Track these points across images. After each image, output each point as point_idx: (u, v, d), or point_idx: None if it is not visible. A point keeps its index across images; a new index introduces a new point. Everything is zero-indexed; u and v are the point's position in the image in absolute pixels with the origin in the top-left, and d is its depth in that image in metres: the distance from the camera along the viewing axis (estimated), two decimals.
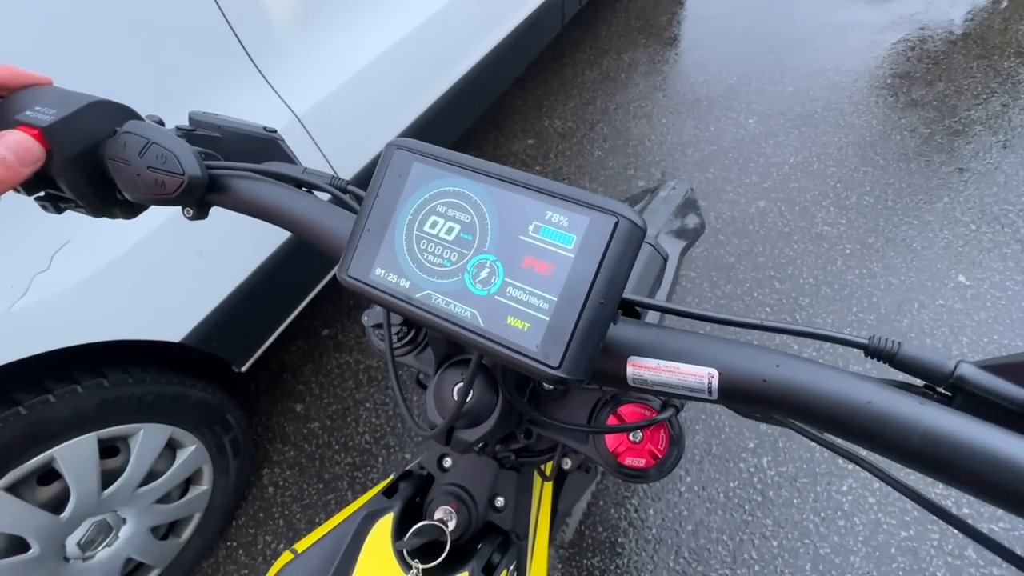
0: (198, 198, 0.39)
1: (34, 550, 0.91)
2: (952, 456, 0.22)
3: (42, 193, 0.41)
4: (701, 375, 0.27)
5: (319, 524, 1.33)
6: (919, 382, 0.26)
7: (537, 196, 0.26)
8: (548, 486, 0.57)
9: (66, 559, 0.97)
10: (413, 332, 0.46)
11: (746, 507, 1.23)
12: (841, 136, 1.98)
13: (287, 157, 0.43)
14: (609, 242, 0.24)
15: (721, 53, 2.44)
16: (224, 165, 0.39)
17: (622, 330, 0.29)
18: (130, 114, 0.40)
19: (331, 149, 1.21)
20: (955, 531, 0.26)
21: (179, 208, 0.40)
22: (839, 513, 1.19)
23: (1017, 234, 1.60)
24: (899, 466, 0.24)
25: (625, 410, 0.39)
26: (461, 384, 0.35)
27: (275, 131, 0.43)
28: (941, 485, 0.25)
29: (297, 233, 0.38)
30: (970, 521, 0.25)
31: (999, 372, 0.24)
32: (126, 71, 0.89)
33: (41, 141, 0.35)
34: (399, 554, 0.44)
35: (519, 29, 1.83)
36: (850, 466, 1.25)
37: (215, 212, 0.42)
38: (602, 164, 2.06)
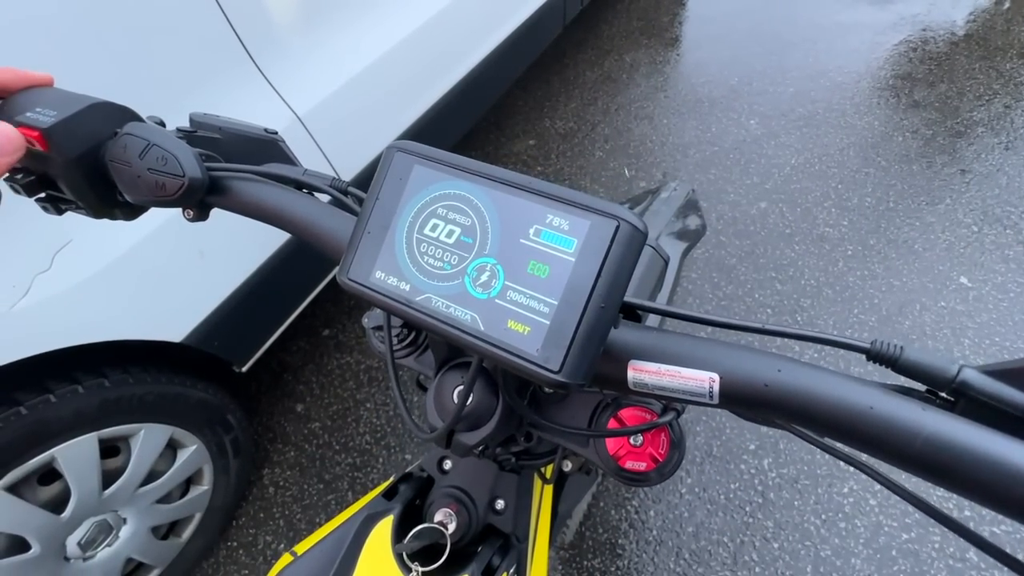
0: (198, 200, 0.38)
1: (35, 550, 0.91)
2: (955, 462, 0.22)
3: (43, 194, 0.41)
4: (702, 379, 0.27)
5: (319, 524, 1.33)
6: (921, 386, 0.26)
7: (538, 199, 0.26)
8: (548, 488, 0.57)
9: (67, 559, 0.97)
10: (413, 334, 0.46)
11: (747, 509, 1.23)
12: (843, 137, 1.98)
13: (288, 158, 0.43)
14: (610, 246, 0.24)
15: (723, 54, 2.44)
16: (224, 167, 0.39)
17: (623, 334, 0.29)
18: (131, 115, 0.40)
19: (332, 150, 1.21)
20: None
21: (179, 209, 0.40)
22: (840, 515, 1.19)
23: (1019, 236, 1.60)
24: (899, 471, 0.24)
25: (626, 413, 0.39)
26: (461, 387, 0.35)
27: (276, 132, 0.43)
28: (942, 489, 0.25)
29: (297, 235, 0.38)
30: (971, 525, 0.25)
31: (1002, 377, 0.24)
32: (127, 72, 0.89)
33: (42, 142, 0.35)
34: (399, 557, 0.44)
35: (521, 30, 1.82)
36: (851, 468, 1.24)
37: (216, 212, 0.42)
38: (603, 165, 2.06)
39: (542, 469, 0.51)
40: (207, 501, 1.19)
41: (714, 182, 1.91)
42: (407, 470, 0.53)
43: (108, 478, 0.97)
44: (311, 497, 1.39)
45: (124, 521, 1.05)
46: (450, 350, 0.38)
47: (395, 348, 0.45)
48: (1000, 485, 0.21)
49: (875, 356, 0.26)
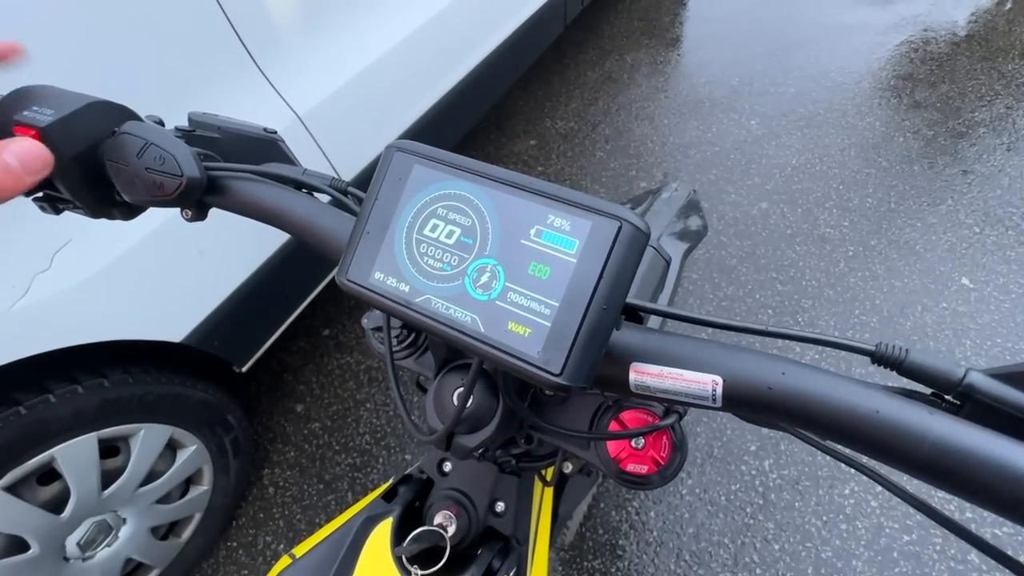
0: (196, 200, 0.38)
1: (34, 550, 0.90)
2: (962, 467, 0.22)
3: (40, 194, 0.40)
4: (705, 383, 0.26)
5: (319, 525, 1.33)
6: (926, 389, 0.26)
7: (539, 200, 0.26)
8: (549, 490, 0.57)
9: (66, 559, 0.97)
10: (413, 336, 0.45)
11: (748, 510, 1.22)
12: (844, 138, 1.98)
13: (287, 158, 0.42)
14: (612, 247, 0.24)
15: (724, 54, 2.43)
16: (223, 166, 0.39)
17: (625, 335, 0.29)
18: (129, 115, 0.40)
19: (333, 150, 1.21)
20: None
21: (178, 209, 0.40)
22: (841, 517, 1.19)
23: (1021, 236, 1.60)
24: (901, 473, 0.24)
25: (627, 416, 0.39)
26: (461, 389, 0.35)
27: (275, 132, 0.42)
28: (943, 492, 0.25)
29: (296, 235, 0.38)
30: (972, 527, 0.25)
31: (1009, 380, 0.24)
32: (128, 71, 0.89)
33: (39, 141, 0.35)
34: (398, 560, 0.44)
35: (522, 30, 1.82)
36: (852, 470, 1.24)
37: (216, 212, 0.41)
38: (604, 165, 2.05)
39: (542, 471, 0.51)
40: (207, 501, 1.19)
41: (715, 182, 1.91)
42: (407, 472, 0.53)
43: (108, 478, 0.97)
44: (311, 497, 1.38)
45: (124, 521, 1.05)
46: (450, 351, 0.38)
47: (395, 349, 0.45)
48: (1007, 489, 0.21)
49: (880, 358, 0.25)
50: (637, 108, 2.26)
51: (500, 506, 0.49)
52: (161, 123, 0.42)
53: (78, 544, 0.97)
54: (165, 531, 1.18)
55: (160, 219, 0.93)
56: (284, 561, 0.47)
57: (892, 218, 1.71)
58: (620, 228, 0.24)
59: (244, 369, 1.19)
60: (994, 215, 1.66)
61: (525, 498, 0.50)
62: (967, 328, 1.43)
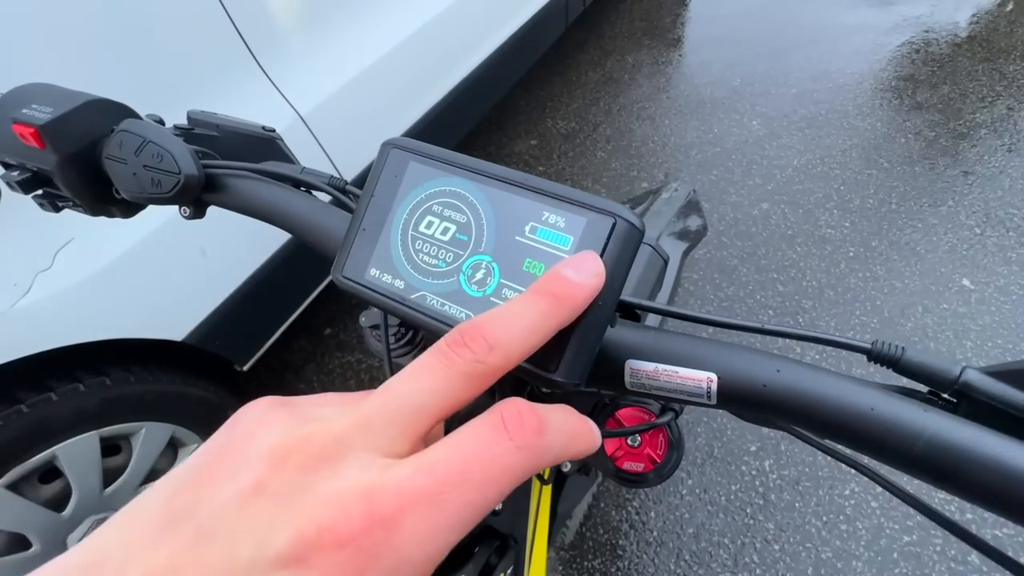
0: (194, 197, 0.38)
1: (35, 548, 0.91)
2: (957, 465, 0.22)
3: (39, 191, 0.41)
4: (700, 380, 0.26)
5: None
6: (923, 388, 0.26)
7: (534, 196, 0.26)
8: (547, 489, 0.57)
9: None
10: (411, 333, 0.45)
11: (748, 510, 1.22)
12: (845, 139, 1.97)
13: (286, 156, 0.42)
14: (606, 243, 0.24)
15: (725, 55, 2.43)
16: (221, 164, 0.39)
17: (620, 333, 0.29)
18: (128, 112, 0.40)
19: (334, 149, 1.21)
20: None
21: (176, 207, 0.40)
22: (841, 517, 1.19)
23: (1022, 238, 1.59)
24: (901, 473, 0.24)
25: (624, 414, 0.39)
26: None
27: (274, 130, 0.42)
28: (943, 492, 0.25)
29: (294, 233, 0.38)
30: (973, 528, 0.25)
31: (1005, 378, 0.24)
32: (129, 70, 0.89)
33: (38, 139, 0.35)
34: None
35: (523, 30, 1.82)
36: (853, 470, 1.24)
37: (218, 211, 0.42)
38: (605, 165, 2.05)
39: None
40: None
41: (716, 183, 1.91)
42: None
43: (109, 476, 0.98)
44: None
45: None
46: None
47: (392, 347, 0.45)
48: (1003, 488, 0.21)
49: (876, 356, 0.25)
50: (638, 108, 2.26)
51: (497, 505, 0.49)
52: (161, 122, 0.42)
53: (80, 542, 0.97)
54: None
55: (162, 218, 0.94)
56: None
57: (893, 219, 1.70)
58: (614, 224, 0.24)
59: (245, 368, 1.19)
60: (995, 216, 1.66)
61: (523, 496, 0.50)
62: (968, 329, 1.42)
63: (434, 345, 0.20)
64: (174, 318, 1.01)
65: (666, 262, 0.69)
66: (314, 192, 0.40)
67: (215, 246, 1.03)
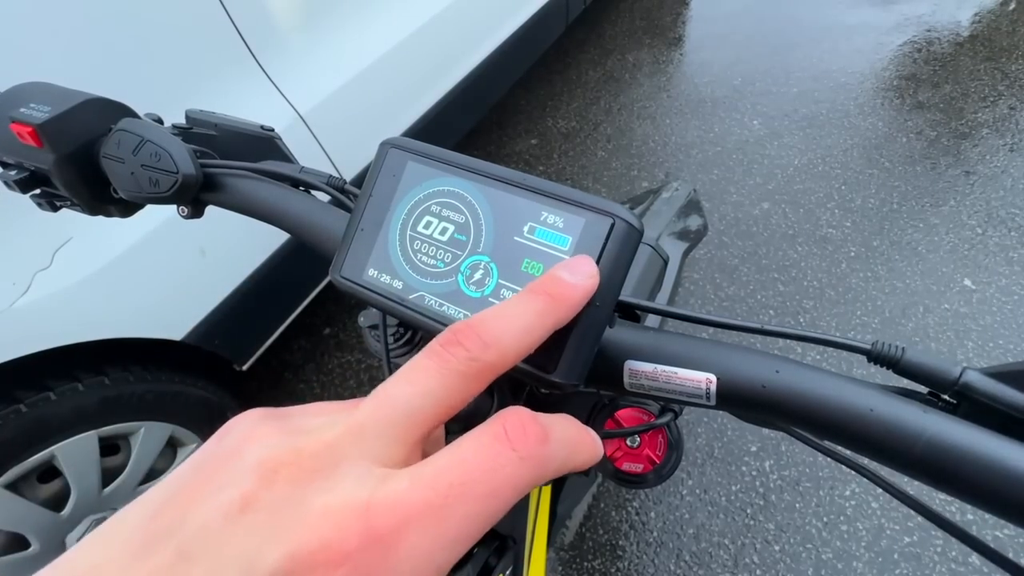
0: (193, 197, 0.38)
1: (34, 547, 0.91)
2: (957, 467, 0.21)
3: (37, 191, 0.41)
4: (699, 380, 0.26)
5: None
6: (923, 389, 0.26)
7: (532, 196, 0.26)
8: (546, 489, 0.57)
9: None
10: (410, 333, 0.45)
11: (748, 511, 1.22)
12: (846, 138, 1.97)
13: (284, 156, 0.42)
14: (605, 244, 0.24)
15: (726, 54, 2.43)
16: (219, 163, 0.39)
17: (619, 333, 0.28)
18: (126, 112, 0.40)
19: (334, 148, 1.21)
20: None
21: (174, 206, 0.40)
22: (842, 518, 1.18)
23: None
24: (901, 475, 0.24)
25: (623, 414, 0.39)
26: None
27: (272, 129, 0.42)
28: (944, 494, 0.25)
29: (292, 233, 0.37)
30: (973, 530, 0.25)
31: (1006, 379, 0.24)
32: (127, 69, 0.89)
33: (35, 138, 0.35)
34: None
35: (524, 28, 1.82)
36: (853, 472, 1.24)
37: (218, 210, 0.41)
38: (605, 164, 2.05)
39: None
40: None
41: (716, 182, 1.90)
42: None
43: (108, 476, 0.98)
44: None
45: None
46: None
47: (391, 347, 0.45)
48: (1003, 489, 0.21)
49: (876, 357, 0.25)
50: (639, 107, 2.26)
51: (500, 517, 0.49)
52: (160, 121, 0.42)
53: (78, 542, 0.97)
54: None
55: (161, 217, 0.94)
56: None
57: (894, 219, 1.70)
58: (613, 225, 0.24)
59: (245, 367, 1.19)
60: (997, 216, 1.65)
61: (522, 497, 0.50)
62: (969, 329, 1.42)
63: (427, 346, 0.19)
64: (173, 318, 1.01)
65: (666, 262, 0.69)
66: (313, 192, 0.40)
67: (214, 245, 1.03)
